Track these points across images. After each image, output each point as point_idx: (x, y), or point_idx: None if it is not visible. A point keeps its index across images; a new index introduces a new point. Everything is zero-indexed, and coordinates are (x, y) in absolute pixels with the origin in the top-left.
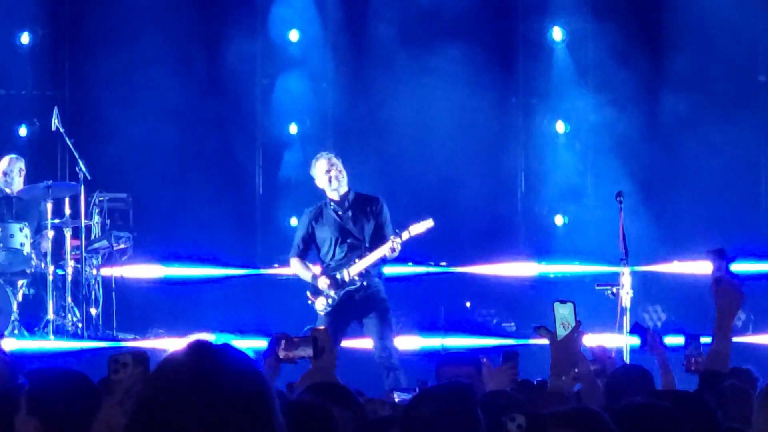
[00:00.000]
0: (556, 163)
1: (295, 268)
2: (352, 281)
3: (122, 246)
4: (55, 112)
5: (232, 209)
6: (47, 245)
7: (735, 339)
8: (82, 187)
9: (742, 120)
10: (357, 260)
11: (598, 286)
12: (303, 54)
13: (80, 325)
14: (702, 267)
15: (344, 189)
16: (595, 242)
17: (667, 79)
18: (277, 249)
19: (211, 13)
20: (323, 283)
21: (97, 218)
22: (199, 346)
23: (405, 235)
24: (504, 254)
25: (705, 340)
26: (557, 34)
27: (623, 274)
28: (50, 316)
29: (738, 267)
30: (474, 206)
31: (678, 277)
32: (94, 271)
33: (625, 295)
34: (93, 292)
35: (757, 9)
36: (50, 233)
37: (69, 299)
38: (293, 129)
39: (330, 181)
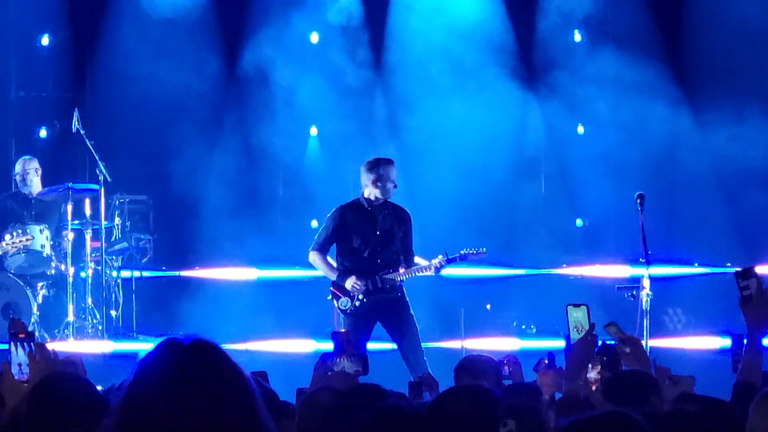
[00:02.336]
0: (577, 165)
1: (316, 262)
2: (383, 288)
3: (142, 247)
4: (76, 114)
5: (252, 211)
6: (68, 247)
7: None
8: (103, 189)
9: (765, 120)
10: (392, 269)
11: (618, 288)
12: (323, 56)
13: (100, 327)
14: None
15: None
16: (615, 244)
17: (688, 78)
18: (298, 251)
19: (231, 15)
20: (353, 284)
21: (117, 220)
22: (169, 346)
23: (454, 257)
24: (526, 256)
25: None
26: (577, 35)
27: (644, 276)
28: (70, 318)
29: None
30: (495, 207)
31: (697, 279)
32: (114, 273)
33: (645, 297)
34: (113, 294)
35: None
36: (70, 235)
37: (89, 301)
38: (313, 132)
39: (391, 189)
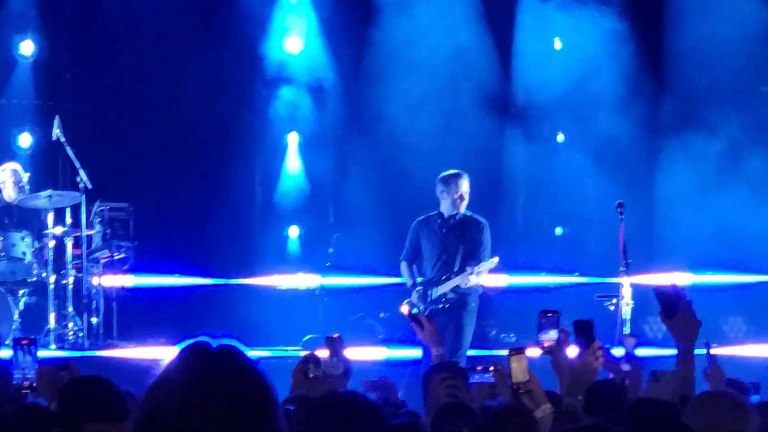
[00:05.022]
0: (556, 173)
1: (402, 271)
2: (438, 299)
3: (123, 255)
4: (57, 121)
5: (231, 219)
6: (49, 254)
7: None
8: (83, 196)
9: (744, 130)
10: (443, 281)
11: (598, 297)
12: (303, 64)
13: (81, 334)
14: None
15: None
16: (594, 253)
17: (668, 89)
18: (275, 259)
19: (213, 24)
20: (414, 295)
21: (98, 227)
22: (195, 351)
23: (474, 271)
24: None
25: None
26: (557, 43)
27: (623, 285)
28: (51, 325)
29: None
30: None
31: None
32: (95, 280)
33: (625, 306)
34: (94, 301)
35: (761, 18)
36: (51, 242)
37: (70, 308)
38: (292, 139)
39: (459, 203)
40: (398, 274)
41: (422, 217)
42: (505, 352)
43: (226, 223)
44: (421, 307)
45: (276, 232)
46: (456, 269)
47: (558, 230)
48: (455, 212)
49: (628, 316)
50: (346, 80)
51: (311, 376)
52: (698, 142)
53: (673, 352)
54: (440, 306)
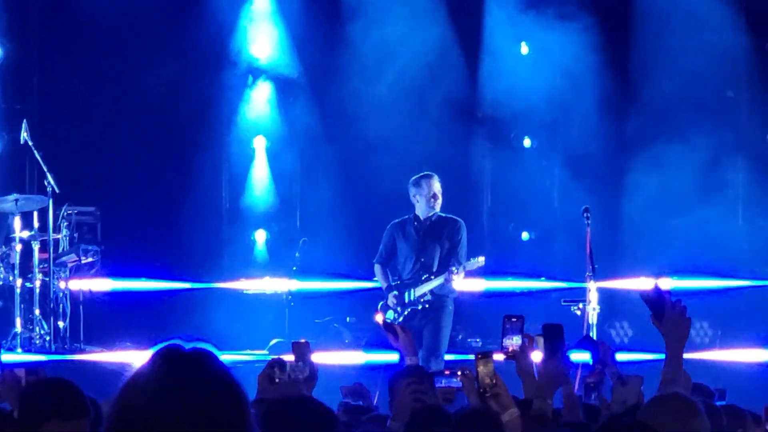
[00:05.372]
0: (523, 178)
1: (377, 273)
2: (416, 301)
3: (90, 259)
4: (24, 125)
5: (198, 223)
6: (16, 258)
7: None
8: (51, 200)
9: (710, 135)
10: (422, 282)
11: (564, 302)
12: (269, 68)
13: (48, 338)
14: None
15: (435, 212)
16: (561, 258)
17: (634, 95)
18: (242, 263)
19: (179, 29)
20: (391, 298)
21: (65, 231)
22: (168, 354)
23: (460, 270)
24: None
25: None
26: (523, 48)
27: (590, 290)
28: (18, 329)
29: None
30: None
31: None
32: (62, 284)
33: (592, 311)
34: (61, 305)
35: (725, 25)
36: (18, 246)
37: (37, 312)
38: (259, 143)
39: (433, 203)
40: (366, 278)
41: (397, 220)
42: (471, 356)
43: (194, 228)
44: (399, 310)
45: (243, 236)
46: (435, 270)
47: (525, 235)
48: (431, 213)
49: (595, 321)
50: (314, 84)
51: (277, 380)
52: (664, 148)
53: (641, 356)
54: (419, 307)
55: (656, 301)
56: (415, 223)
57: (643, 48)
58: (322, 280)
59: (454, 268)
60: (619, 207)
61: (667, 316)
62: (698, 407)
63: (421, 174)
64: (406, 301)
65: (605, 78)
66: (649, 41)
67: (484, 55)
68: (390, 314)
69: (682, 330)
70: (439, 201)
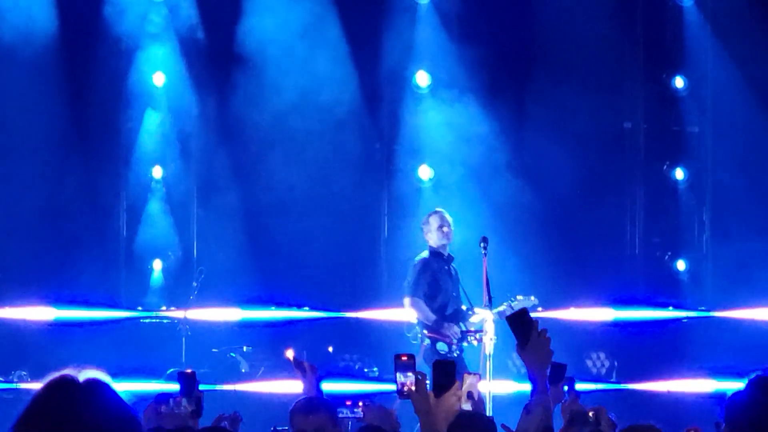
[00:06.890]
0: (422, 209)
1: (420, 307)
2: (467, 332)
3: None
4: None
5: (96, 251)
6: None
7: (602, 386)
8: None
9: (608, 166)
10: (470, 313)
11: (462, 332)
12: (168, 97)
13: None
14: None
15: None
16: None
17: (532, 126)
18: (140, 291)
19: (76, 58)
20: (454, 330)
21: None
22: (61, 384)
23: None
24: (368, 299)
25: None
26: (423, 79)
27: (487, 320)
28: None
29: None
30: (336, 251)
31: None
32: None
33: (489, 341)
34: None
35: (623, 56)
36: None
37: None
38: (157, 172)
39: (445, 235)
40: (263, 307)
41: (429, 255)
42: (368, 386)
43: (90, 256)
44: (455, 341)
45: (140, 265)
46: (465, 304)
47: None
48: (447, 247)
49: (491, 351)
50: (211, 115)
51: (162, 411)
52: (553, 175)
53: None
54: (468, 339)
55: (522, 326)
56: (444, 258)
57: (541, 77)
58: (220, 308)
59: (505, 304)
60: (514, 236)
61: (531, 344)
62: None
63: (433, 212)
64: (461, 333)
65: (503, 109)
66: (547, 71)
67: (383, 84)
68: (442, 346)
69: (543, 360)
70: (452, 231)
